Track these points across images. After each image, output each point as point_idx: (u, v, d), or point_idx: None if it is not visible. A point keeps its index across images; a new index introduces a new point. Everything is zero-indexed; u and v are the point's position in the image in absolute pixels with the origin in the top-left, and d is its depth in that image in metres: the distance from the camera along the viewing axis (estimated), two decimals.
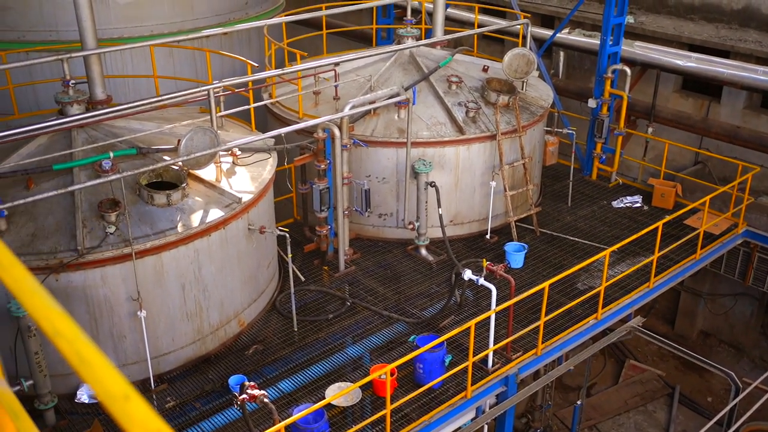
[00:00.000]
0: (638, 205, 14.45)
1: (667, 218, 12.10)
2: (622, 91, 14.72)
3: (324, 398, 8.79)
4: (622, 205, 14.47)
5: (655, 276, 11.87)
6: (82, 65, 10.41)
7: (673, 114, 16.29)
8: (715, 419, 12.24)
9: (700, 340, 17.86)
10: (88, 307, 8.72)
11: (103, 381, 1.37)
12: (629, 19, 17.77)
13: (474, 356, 9.22)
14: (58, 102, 9.81)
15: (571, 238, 13.11)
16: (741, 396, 11.95)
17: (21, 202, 8.34)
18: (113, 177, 8.73)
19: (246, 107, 11.28)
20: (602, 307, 10.96)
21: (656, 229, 11.52)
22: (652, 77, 17.05)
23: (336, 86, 12.44)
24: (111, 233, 8.59)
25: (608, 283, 11.08)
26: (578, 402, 14.08)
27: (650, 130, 15.82)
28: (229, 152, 10.43)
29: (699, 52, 16.64)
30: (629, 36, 17.30)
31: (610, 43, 14.63)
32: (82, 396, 8.87)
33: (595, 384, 16.78)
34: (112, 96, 10.73)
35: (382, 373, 8.51)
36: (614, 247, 11.19)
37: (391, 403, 8.41)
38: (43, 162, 9.31)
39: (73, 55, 10.00)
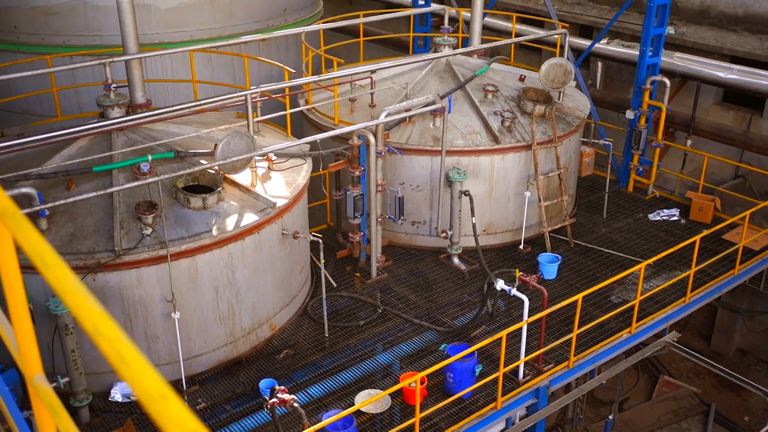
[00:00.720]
0: (675, 218, 14.21)
1: (705, 232, 11.87)
2: (661, 102, 14.52)
3: (353, 404, 8.80)
4: (658, 218, 14.24)
5: (692, 291, 11.65)
6: (123, 69, 10.62)
7: (712, 126, 16.01)
8: None
9: (737, 357, 17.48)
10: (124, 308, 8.86)
11: (142, 380, 1.40)
12: (670, 30, 17.54)
13: (505, 367, 9.15)
14: (100, 105, 10.02)
15: (606, 250, 12.94)
16: None
17: (62, 202, 8.53)
18: (151, 180, 8.88)
19: (282, 113, 11.37)
20: (636, 321, 10.79)
21: (693, 243, 11.32)
22: (692, 89, 16.78)
23: (372, 93, 12.48)
24: (147, 235, 8.72)
25: (643, 296, 10.90)
26: (610, 417, 13.86)
27: (689, 142, 15.56)
28: (265, 157, 10.53)
29: (741, 64, 16.34)
30: (670, 47, 17.07)
31: (650, 54, 14.44)
32: (116, 395, 9.00)
33: (627, 399, 16.51)
34: (151, 100, 10.92)
35: (412, 381, 8.49)
36: (650, 261, 11.01)
37: (421, 412, 8.38)
38: (84, 164, 9.50)
39: (115, 59, 10.20)
